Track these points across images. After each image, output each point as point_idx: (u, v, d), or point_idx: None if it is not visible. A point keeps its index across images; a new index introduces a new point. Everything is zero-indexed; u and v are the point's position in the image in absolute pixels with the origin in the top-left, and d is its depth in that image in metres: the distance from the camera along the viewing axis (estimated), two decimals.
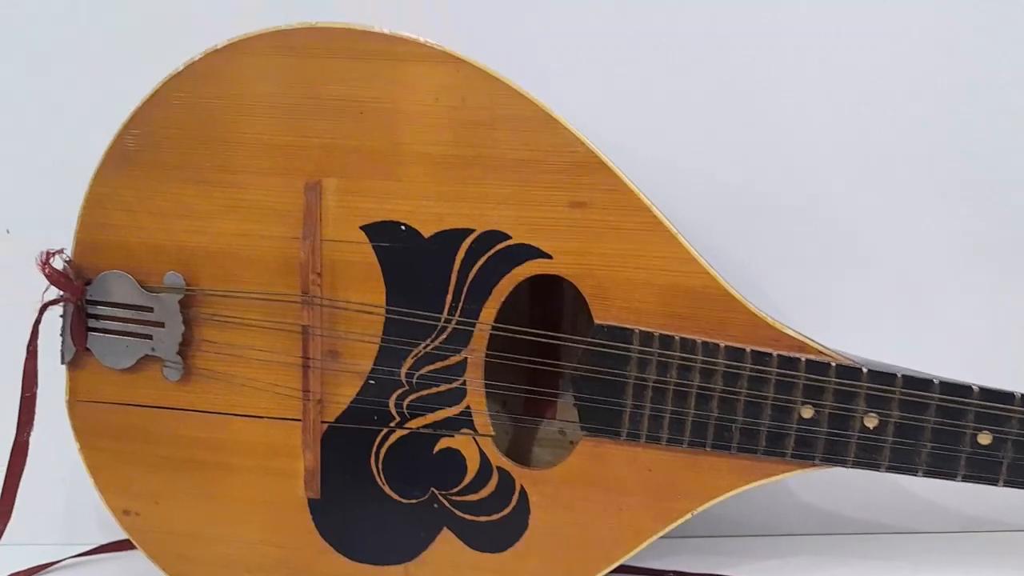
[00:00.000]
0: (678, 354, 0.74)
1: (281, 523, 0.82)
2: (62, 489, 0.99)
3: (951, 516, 0.95)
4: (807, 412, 0.73)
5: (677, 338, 0.74)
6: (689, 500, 0.76)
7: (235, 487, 0.82)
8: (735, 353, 0.73)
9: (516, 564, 0.79)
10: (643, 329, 0.74)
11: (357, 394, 0.79)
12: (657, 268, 0.74)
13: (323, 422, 0.80)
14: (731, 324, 0.74)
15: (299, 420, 0.80)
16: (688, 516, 0.76)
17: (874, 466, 0.73)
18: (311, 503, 0.81)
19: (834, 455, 0.73)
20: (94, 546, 0.95)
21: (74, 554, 0.95)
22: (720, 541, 0.95)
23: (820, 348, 0.73)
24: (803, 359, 0.73)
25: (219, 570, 0.83)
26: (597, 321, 0.75)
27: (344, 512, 0.81)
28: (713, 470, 0.75)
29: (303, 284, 0.77)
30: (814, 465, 0.74)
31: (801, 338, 0.73)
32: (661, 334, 0.74)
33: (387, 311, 0.77)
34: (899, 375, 0.72)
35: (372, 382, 0.79)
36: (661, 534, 0.77)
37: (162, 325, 0.80)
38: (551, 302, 0.89)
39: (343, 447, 0.80)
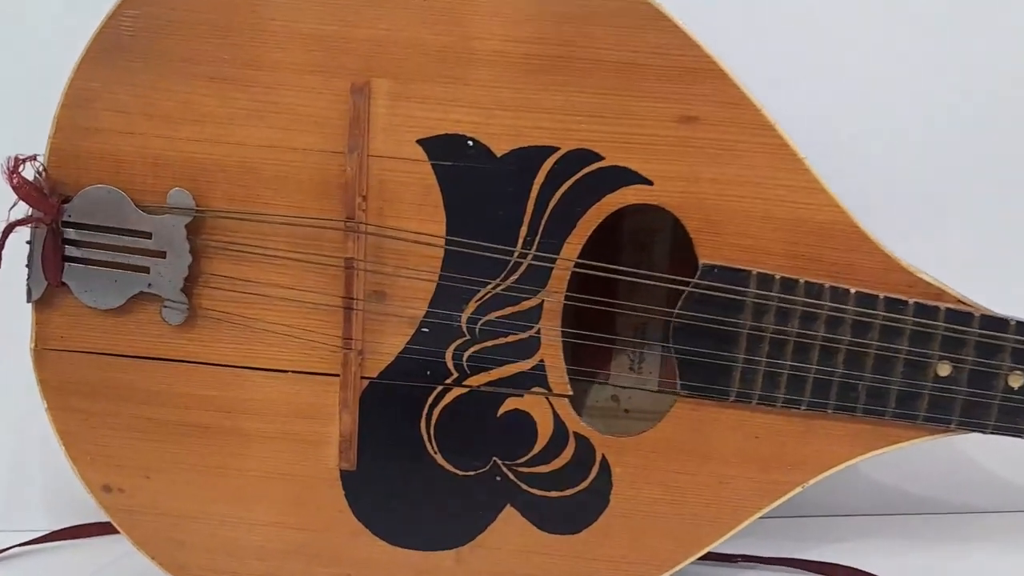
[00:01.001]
0: (802, 299, 0.63)
1: (305, 500, 0.67)
2: (30, 462, 0.82)
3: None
4: (944, 369, 0.63)
5: (801, 282, 0.63)
6: (800, 471, 0.65)
7: (249, 457, 0.67)
8: (866, 300, 0.62)
9: (592, 548, 0.67)
10: (761, 271, 0.63)
11: (407, 344, 0.65)
12: (779, 199, 0.62)
13: (363, 378, 0.66)
14: (861, 267, 0.63)
15: (334, 375, 0.65)
16: (798, 490, 0.66)
17: (1018, 432, 0.64)
18: (344, 476, 0.67)
19: (972, 419, 0.64)
20: (61, 529, 0.79)
21: (31, 539, 0.78)
22: (787, 522, 0.85)
23: (959, 296, 0.63)
24: (942, 308, 0.62)
25: (223, 558, 0.69)
26: (705, 261, 0.63)
27: (385, 487, 0.67)
28: (829, 437, 0.65)
29: (347, 208, 0.63)
30: (948, 430, 0.64)
31: (939, 284, 0.63)
32: (782, 277, 0.63)
33: (447, 244, 0.64)
34: None
35: (426, 330, 0.65)
36: (763, 512, 0.66)
37: (163, 255, 0.64)
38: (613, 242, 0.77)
39: (387, 408, 0.66)
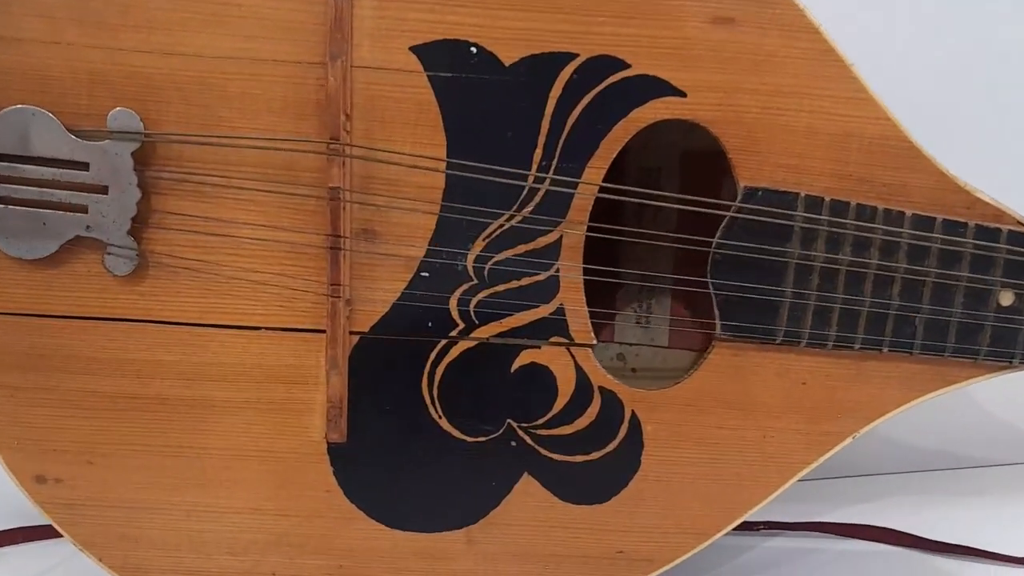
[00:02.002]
0: (853, 223, 0.55)
1: (286, 481, 0.57)
2: None
3: None
4: (1007, 298, 0.57)
5: (852, 204, 0.56)
6: (851, 419, 0.58)
7: (216, 433, 0.56)
8: (923, 223, 0.56)
9: (621, 518, 0.59)
10: (809, 193, 0.55)
11: (403, 291, 0.56)
12: (825, 111, 0.55)
13: (352, 332, 0.56)
14: (915, 187, 0.56)
15: (318, 331, 0.55)
16: (847, 441, 0.59)
17: None
18: (333, 450, 0.57)
19: None
20: None
21: None
22: (805, 485, 0.79)
23: (1019, 217, 0.57)
24: (1004, 230, 0.56)
25: (188, 556, 0.58)
26: (747, 184, 0.55)
27: (381, 460, 0.57)
28: (883, 379, 0.58)
29: (329, 127, 0.53)
30: (1010, 366, 0.58)
31: (998, 205, 0.57)
32: (832, 200, 0.55)
33: (449, 169, 0.54)
34: None
35: (425, 274, 0.55)
36: (811, 468, 0.59)
37: (104, 190, 0.53)
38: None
39: (381, 368, 0.56)
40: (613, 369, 0.74)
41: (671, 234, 0.57)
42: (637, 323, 0.75)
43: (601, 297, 0.72)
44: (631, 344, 0.75)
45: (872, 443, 0.79)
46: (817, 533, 0.73)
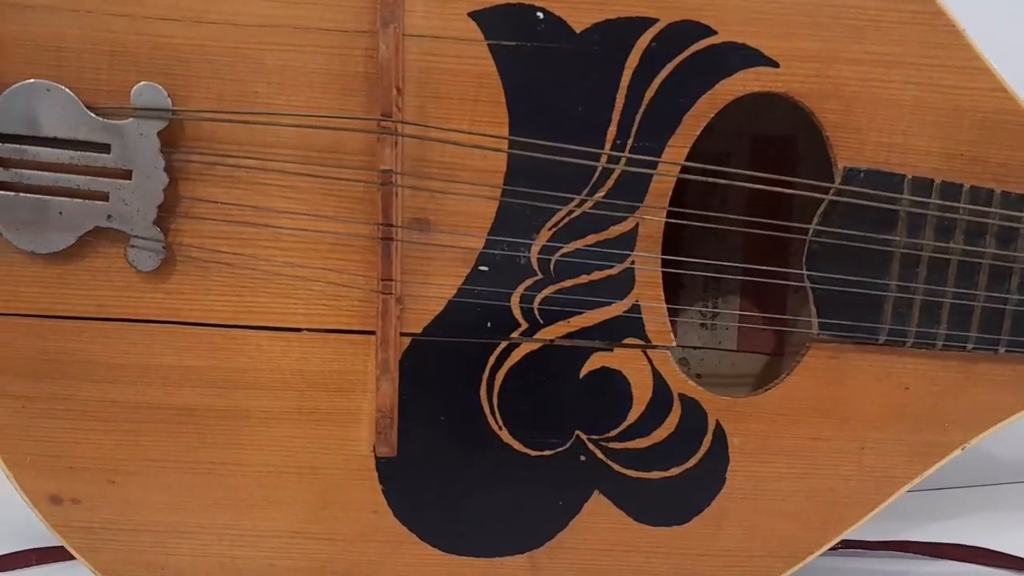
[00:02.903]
0: (967, 207, 0.49)
1: (330, 500, 0.51)
2: None
3: None
4: None
5: (966, 187, 0.49)
6: (959, 429, 0.52)
7: (252, 447, 0.50)
8: None
9: (703, 541, 0.52)
10: (916, 175, 0.49)
11: (460, 287, 0.50)
12: (934, 83, 0.49)
13: (403, 334, 0.50)
14: None
15: (366, 332, 0.49)
16: (956, 452, 0.53)
17: None
18: (381, 466, 0.51)
19: None
20: None
21: None
22: None
23: None
24: None
25: None
26: (847, 164, 0.49)
27: (435, 477, 0.51)
28: (995, 383, 0.52)
29: (380, 103, 0.47)
30: None
31: None
32: (943, 182, 0.49)
33: (512, 149, 0.48)
34: None
35: (484, 268, 0.50)
36: (913, 483, 0.53)
37: (127, 175, 0.47)
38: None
39: (435, 373, 0.50)
40: None
41: (761, 220, 0.51)
42: (702, 325, 0.69)
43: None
44: (695, 348, 0.69)
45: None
46: (901, 553, 0.67)
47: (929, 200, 0.49)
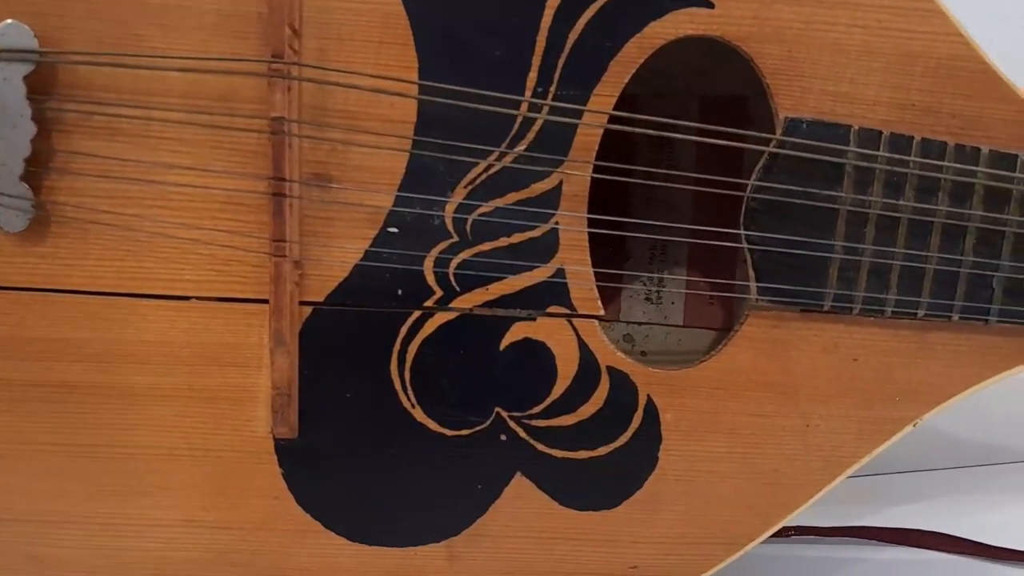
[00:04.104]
0: (918, 160, 0.45)
1: (226, 486, 0.46)
2: None
3: None
4: None
5: (917, 139, 0.45)
6: (912, 403, 0.48)
7: (139, 428, 0.46)
8: (1002, 161, 0.46)
9: (635, 527, 0.48)
10: (863, 126, 0.45)
11: (368, 250, 0.45)
12: (884, 26, 0.45)
13: (304, 303, 0.45)
14: (992, 119, 0.46)
15: (261, 300, 0.45)
16: (908, 429, 0.49)
17: None
18: (281, 448, 0.46)
19: None
20: None
21: None
22: (844, 482, 0.69)
23: None
24: None
25: None
26: (789, 114, 0.45)
27: (340, 460, 0.47)
28: (951, 354, 0.48)
29: (271, 43, 0.43)
30: None
31: None
32: (892, 133, 0.45)
33: (422, 95, 0.44)
34: None
35: (394, 229, 0.45)
36: (863, 462, 0.49)
37: None
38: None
39: (340, 346, 0.46)
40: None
41: (699, 175, 0.47)
42: (647, 299, 0.65)
43: (605, 268, 0.62)
44: (640, 323, 0.65)
45: (925, 432, 0.69)
46: (858, 540, 0.63)
47: (877, 153, 0.45)
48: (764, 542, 0.62)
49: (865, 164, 0.45)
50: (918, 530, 0.62)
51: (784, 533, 0.64)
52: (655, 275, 0.64)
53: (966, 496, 0.67)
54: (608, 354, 0.47)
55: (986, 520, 0.63)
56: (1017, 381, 0.57)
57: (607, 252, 0.62)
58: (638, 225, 0.59)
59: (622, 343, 0.64)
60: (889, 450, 0.68)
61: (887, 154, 0.45)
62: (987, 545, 0.60)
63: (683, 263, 0.64)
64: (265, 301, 0.45)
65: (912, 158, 0.45)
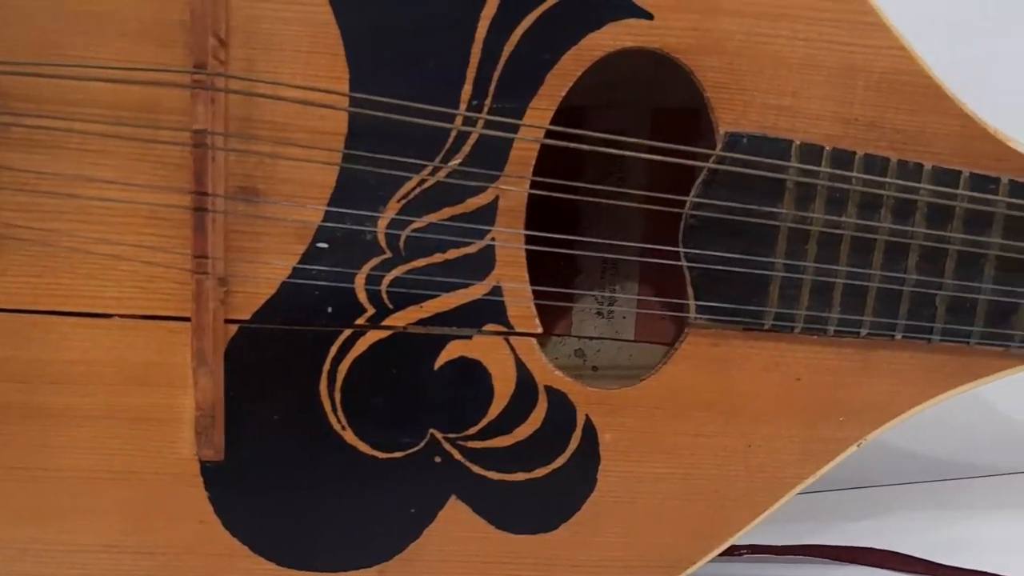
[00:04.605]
0: (861, 176, 0.45)
1: (150, 509, 0.45)
2: None
3: None
4: None
5: (859, 155, 0.45)
6: (856, 423, 0.47)
7: (60, 449, 0.44)
8: (945, 177, 0.45)
9: (573, 550, 0.47)
10: (805, 141, 0.44)
11: (296, 267, 0.44)
12: (826, 39, 0.44)
13: (230, 321, 0.44)
14: (935, 135, 0.46)
15: (184, 319, 0.43)
16: (852, 449, 0.48)
17: None
18: (207, 470, 0.45)
19: None
20: None
21: None
22: (796, 499, 0.68)
23: None
24: None
25: None
26: (729, 129, 0.44)
27: (269, 482, 0.45)
28: (895, 373, 0.47)
29: (194, 53, 0.41)
30: None
31: None
32: (834, 149, 0.45)
33: (353, 107, 0.43)
34: None
35: (324, 244, 0.44)
36: (806, 483, 0.48)
37: None
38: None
39: (268, 366, 0.44)
40: (570, 368, 0.63)
41: (639, 191, 0.46)
42: (599, 314, 0.64)
43: (557, 283, 0.61)
44: (591, 338, 0.64)
45: (877, 449, 0.69)
46: (810, 558, 0.62)
47: (819, 169, 0.44)
48: (715, 561, 0.61)
49: (807, 180, 0.44)
50: (869, 548, 0.61)
51: (736, 552, 0.63)
52: (607, 290, 0.63)
53: (917, 513, 0.67)
54: (546, 373, 0.46)
55: (936, 537, 0.62)
56: (966, 397, 0.57)
57: (558, 267, 0.61)
58: (588, 240, 0.58)
59: (573, 358, 0.63)
60: (841, 466, 0.67)
61: (829, 170, 0.44)
62: (937, 563, 0.60)
63: (634, 278, 0.63)
64: (189, 319, 0.43)
65: (855, 174, 0.44)
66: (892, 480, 0.71)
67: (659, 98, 0.60)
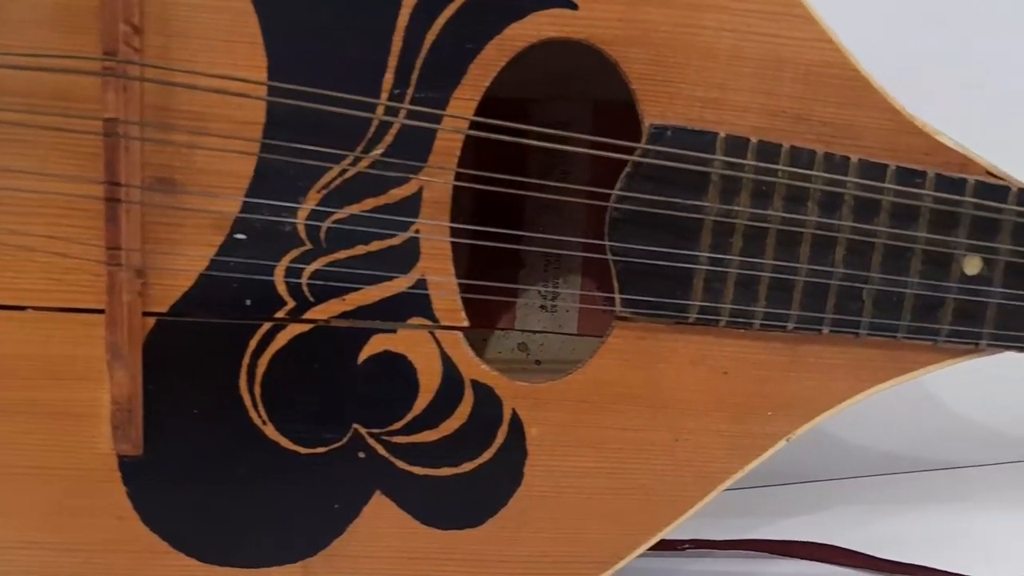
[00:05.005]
0: (787, 171, 0.44)
1: (68, 506, 0.44)
2: None
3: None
4: (972, 265, 0.46)
5: (785, 147, 0.44)
6: (785, 418, 0.47)
7: None
8: (872, 171, 0.45)
9: (500, 546, 0.47)
10: (731, 133, 0.44)
11: (214, 259, 0.43)
12: (754, 31, 0.44)
13: (147, 314, 0.43)
14: (863, 128, 0.45)
15: (101, 311, 0.43)
16: (781, 444, 0.48)
17: None
18: (125, 466, 0.44)
19: (1009, 331, 0.47)
20: None
21: None
22: (737, 494, 0.68)
23: (989, 167, 0.47)
24: (971, 181, 0.46)
25: None
26: (654, 122, 0.44)
27: (188, 478, 0.44)
28: (824, 368, 0.47)
29: (104, 40, 0.40)
30: (976, 350, 0.48)
31: (963, 151, 0.46)
32: (760, 141, 0.44)
33: (271, 96, 0.42)
34: None
35: (242, 236, 0.43)
36: (735, 477, 0.48)
37: None
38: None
39: (186, 360, 0.44)
40: (514, 362, 0.63)
41: (564, 185, 0.45)
42: (543, 308, 0.63)
43: (500, 277, 0.61)
44: (535, 332, 0.63)
45: (815, 444, 0.69)
46: (751, 552, 0.62)
47: (744, 162, 0.44)
48: (657, 555, 0.61)
49: (732, 173, 0.44)
50: (806, 542, 0.61)
51: (678, 546, 0.63)
52: (550, 284, 0.63)
53: (852, 508, 0.67)
54: (472, 367, 0.45)
55: (871, 531, 0.62)
56: (901, 391, 0.57)
57: (502, 260, 0.61)
58: (532, 232, 0.58)
59: (517, 352, 0.63)
60: (777, 461, 0.67)
61: (754, 162, 0.44)
62: (871, 556, 0.60)
63: (578, 272, 0.63)
64: (103, 311, 0.42)
65: (780, 167, 0.44)
66: (828, 475, 0.71)
67: (602, 90, 0.60)
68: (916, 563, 0.59)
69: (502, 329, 0.62)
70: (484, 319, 0.62)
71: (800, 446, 0.67)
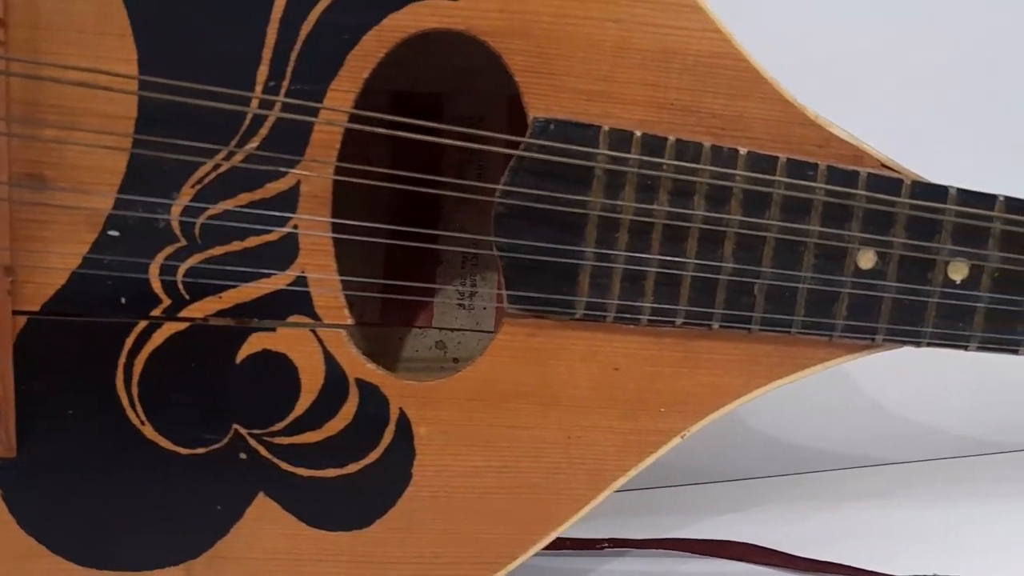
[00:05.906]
0: (672, 163, 0.44)
1: None
2: None
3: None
4: (866, 259, 0.46)
5: (671, 140, 0.44)
6: (678, 415, 0.46)
7: None
8: (762, 163, 0.44)
9: (390, 547, 0.46)
10: (615, 127, 0.43)
11: (87, 256, 0.42)
12: (639, 21, 0.43)
13: (18, 312, 0.42)
14: (753, 120, 0.45)
15: None
16: (675, 441, 0.47)
17: (961, 341, 0.47)
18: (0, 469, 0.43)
19: (905, 326, 0.46)
20: None
21: None
22: (659, 493, 0.67)
23: (883, 159, 0.46)
24: (863, 173, 0.45)
25: None
26: (537, 115, 0.43)
27: (66, 481, 0.43)
28: (716, 364, 0.46)
29: None
30: (872, 345, 0.47)
31: (856, 143, 0.46)
32: (644, 135, 0.43)
33: (142, 89, 0.41)
34: (1001, 198, 0.46)
35: (115, 232, 0.42)
36: (629, 476, 0.47)
37: None
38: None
39: (60, 359, 0.43)
40: (431, 360, 0.62)
41: (453, 181, 0.45)
42: (460, 306, 0.63)
43: (418, 275, 0.60)
44: (453, 330, 0.62)
45: (735, 442, 0.68)
46: (673, 551, 0.61)
47: (629, 156, 0.43)
48: (578, 554, 0.61)
49: (615, 167, 0.43)
50: (728, 541, 0.61)
51: (597, 545, 0.62)
52: (468, 281, 0.62)
53: (774, 506, 0.66)
54: (357, 366, 0.44)
55: (793, 530, 0.62)
56: (818, 388, 0.56)
57: (419, 258, 0.60)
58: (415, 231, 0.57)
59: (434, 350, 0.62)
60: (697, 460, 0.67)
61: (639, 156, 0.43)
62: (794, 555, 0.59)
63: (496, 269, 0.62)
64: None
65: (666, 160, 0.43)
66: (750, 474, 0.70)
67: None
68: (834, 561, 0.59)
69: (419, 327, 0.62)
70: (401, 317, 0.61)
71: (718, 445, 0.66)
